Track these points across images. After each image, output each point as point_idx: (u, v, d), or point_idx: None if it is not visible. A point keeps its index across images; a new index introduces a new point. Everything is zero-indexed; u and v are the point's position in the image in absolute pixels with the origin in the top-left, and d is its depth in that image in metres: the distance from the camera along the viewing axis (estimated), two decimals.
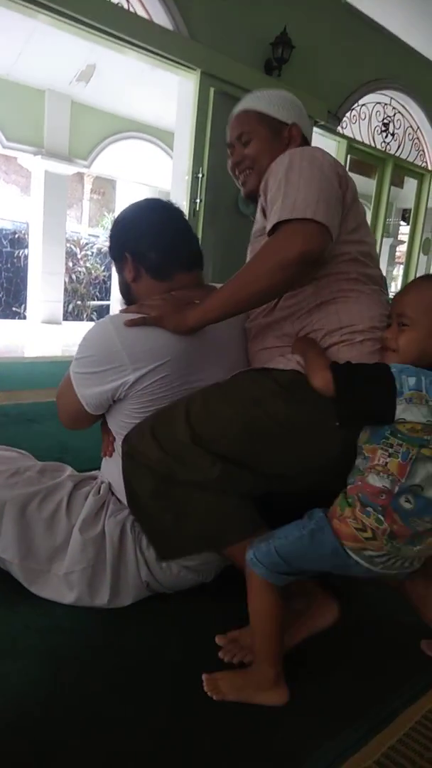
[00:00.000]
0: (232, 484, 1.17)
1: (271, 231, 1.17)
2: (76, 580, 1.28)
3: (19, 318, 8.73)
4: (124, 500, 1.29)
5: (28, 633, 1.22)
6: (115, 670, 1.13)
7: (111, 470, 1.38)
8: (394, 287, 10.36)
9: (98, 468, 1.49)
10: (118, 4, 4.34)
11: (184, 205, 4.75)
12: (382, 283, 1.31)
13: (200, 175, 4.74)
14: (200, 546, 1.22)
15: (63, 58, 5.92)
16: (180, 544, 1.21)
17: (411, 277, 8.01)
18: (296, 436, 1.14)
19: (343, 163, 6.49)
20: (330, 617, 1.16)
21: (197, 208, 4.78)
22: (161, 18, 4.51)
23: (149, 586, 1.32)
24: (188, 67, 4.58)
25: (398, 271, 11.44)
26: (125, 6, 4.42)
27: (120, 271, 1.41)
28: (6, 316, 8.97)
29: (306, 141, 1.44)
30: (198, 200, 4.78)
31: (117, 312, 1.31)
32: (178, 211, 1.41)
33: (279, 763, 0.95)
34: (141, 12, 4.50)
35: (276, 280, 1.13)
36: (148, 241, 1.34)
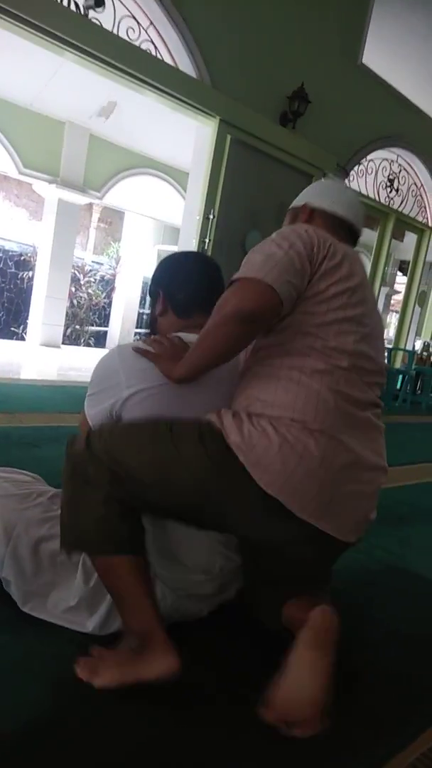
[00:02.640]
0: (122, 504, 1.19)
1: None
2: (76, 607, 1.33)
3: (17, 339, 8.79)
4: None
5: (31, 659, 1.25)
6: (117, 698, 1.16)
7: None
8: (387, 334, 10.58)
9: None
10: (147, 50, 4.53)
11: (194, 243, 4.88)
12: (358, 352, 1.25)
13: (211, 217, 4.89)
14: (78, 544, 1.22)
15: (86, 93, 6.11)
16: (66, 537, 1.23)
17: (406, 326, 8.19)
18: (192, 479, 1.18)
19: None
20: (160, 670, 1.12)
21: (206, 247, 4.91)
22: (186, 65, 4.70)
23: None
24: (208, 114, 4.76)
25: (392, 319, 11.70)
26: (152, 50, 4.61)
27: (152, 305, 1.55)
28: (4, 336, 9.02)
29: (328, 216, 1.45)
30: (207, 239, 4.92)
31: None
32: (215, 267, 1.55)
33: None
34: (167, 58, 4.70)
35: (218, 337, 1.18)
36: (179, 283, 1.49)
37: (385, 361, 1.42)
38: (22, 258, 9.43)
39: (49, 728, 1.07)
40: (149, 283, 1.59)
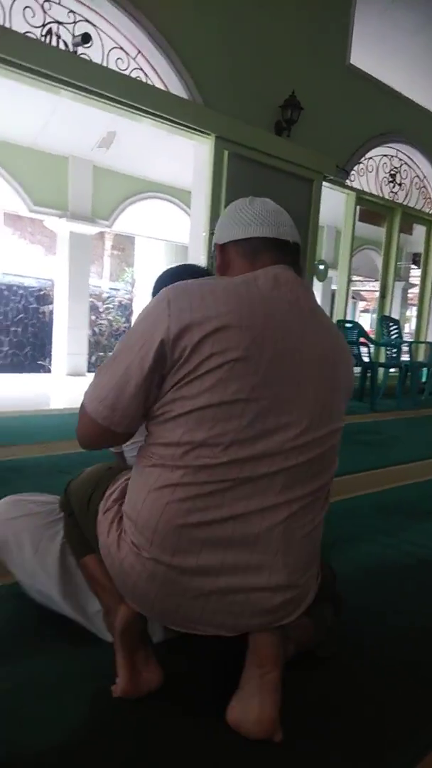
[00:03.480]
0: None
1: None
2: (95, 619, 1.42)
3: (44, 371, 8.99)
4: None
5: (69, 676, 1.31)
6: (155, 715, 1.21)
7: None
8: (408, 328, 10.51)
9: None
10: (137, 77, 4.68)
11: (202, 260, 4.97)
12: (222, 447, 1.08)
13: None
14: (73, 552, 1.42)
15: (85, 127, 6.30)
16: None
17: (425, 318, 8.14)
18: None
19: (351, 215, 6.69)
20: (116, 622, 1.23)
21: (213, 263, 4.99)
22: (177, 88, 4.83)
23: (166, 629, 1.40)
24: (203, 133, 4.87)
25: (411, 312, 11.62)
26: (143, 77, 4.75)
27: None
28: (32, 370, 9.23)
29: (233, 246, 1.27)
30: (206, 267, 4.99)
31: None
32: (207, 272, 1.61)
33: None
34: (158, 83, 4.83)
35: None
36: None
37: (322, 421, 1.17)
38: (42, 293, 9.68)
39: (85, 743, 1.13)
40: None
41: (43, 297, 9.61)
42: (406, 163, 7.32)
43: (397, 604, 1.73)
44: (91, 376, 6.64)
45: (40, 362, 9.44)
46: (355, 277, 13.92)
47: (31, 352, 9.66)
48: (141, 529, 1.13)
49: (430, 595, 1.83)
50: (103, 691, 1.24)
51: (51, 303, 9.01)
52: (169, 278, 1.59)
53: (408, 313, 11.83)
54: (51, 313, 8.83)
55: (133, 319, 10.82)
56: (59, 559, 1.46)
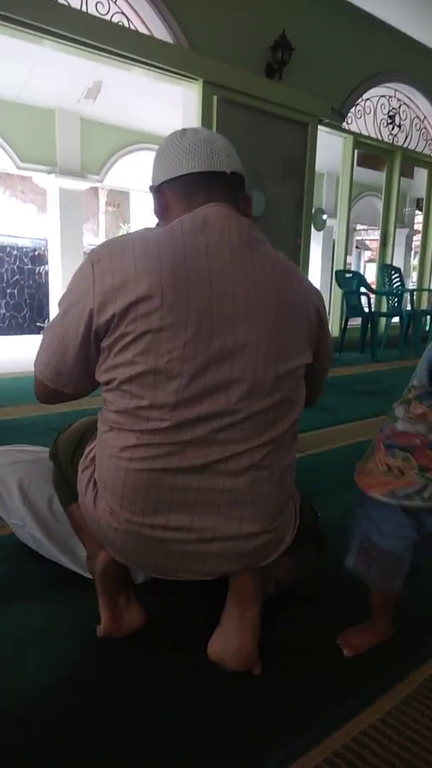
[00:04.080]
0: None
1: None
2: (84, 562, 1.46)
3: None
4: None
5: (57, 620, 1.34)
6: (139, 652, 1.23)
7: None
8: (414, 277, 10.34)
9: None
10: (119, 22, 4.47)
11: None
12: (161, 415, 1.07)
13: None
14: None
15: (70, 77, 6.07)
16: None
17: (428, 266, 8.00)
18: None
19: (350, 160, 6.50)
20: (98, 562, 1.25)
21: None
22: (160, 31, 4.62)
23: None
24: (190, 78, 4.69)
25: (416, 261, 11.42)
26: (125, 23, 4.55)
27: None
28: (31, 332, 9.19)
29: (169, 186, 1.20)
30: None
31: None
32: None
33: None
34: (141, 27, 4.62)
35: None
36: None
37: (291, 349, 1.14)
38: (36, 253, 9.54)
39: (73, 683, 1.15)
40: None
41: (38, 257, 9.48)
42: (405, 104, 7.05)
43: None
44: None
45: (38, 324, 9.38)
46: (358, 226, 13.64)
47: (28, 313, 9.59)
48: (110, 493, 1.13)
49: None
50: (93, 633, 1.27)
51: (46, 263, 8.89)
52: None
53: (414, 262, 11.62)
54: (47, 273, 8.71)
55: None
56: (47, 505, 1.52)
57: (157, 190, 1.22)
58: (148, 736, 1.02)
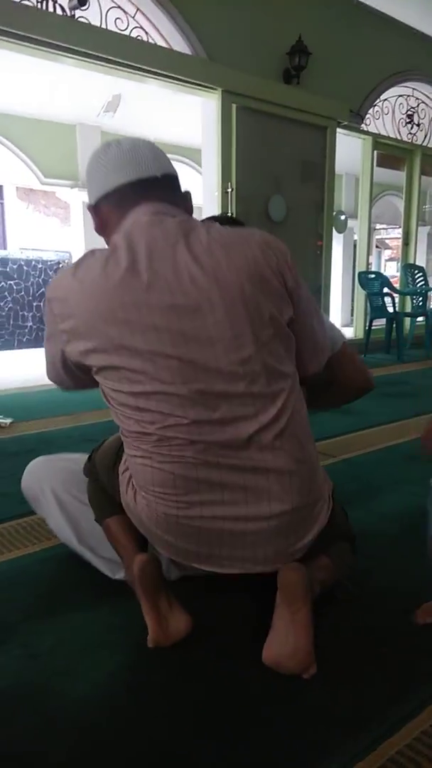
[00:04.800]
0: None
1: None
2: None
3: None
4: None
5: (109, 631, 1.37)
6: (193, 660, 1.26)
7: None
8: None
9: None
10: (137, 36, 4.54)
11: None
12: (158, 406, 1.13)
13: (229, 190, 4.88)
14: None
15: (90, 92, 6.18)
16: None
17: None
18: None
19: (369, 161, 6.46)
20: (131, 572, 1.31)
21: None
22: (179, 43, 4.68)
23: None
24: (209, 88, 4.73)
25: None
26: (144, 37, 4.61)
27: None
28: None
29: (103, 202, 1.22)
30: (230, 214, 4.91)
31: None
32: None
33: None
34: (159, 40, 4.69)
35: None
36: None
37: (241, 342, 1.11)
38: (60, 265, 9.63)
39: (131, 688, 1.18)
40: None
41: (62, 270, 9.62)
42: (423, 102, 7.02)
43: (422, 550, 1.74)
44: None
45: None
46: (378, 225, 13.56)
47: None
48: (144, 489, 1.22)
49: None
50: (136, 643, 1.30)
51: None
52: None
53: None
54: None
55: None
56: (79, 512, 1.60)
57: (94, 208, 1.25)
58: (204, 744, 1.04)
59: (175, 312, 1.09)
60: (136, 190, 1.18)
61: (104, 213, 1.22)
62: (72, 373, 1.28)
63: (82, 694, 1.16)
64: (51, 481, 1.64)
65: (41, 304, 9.65)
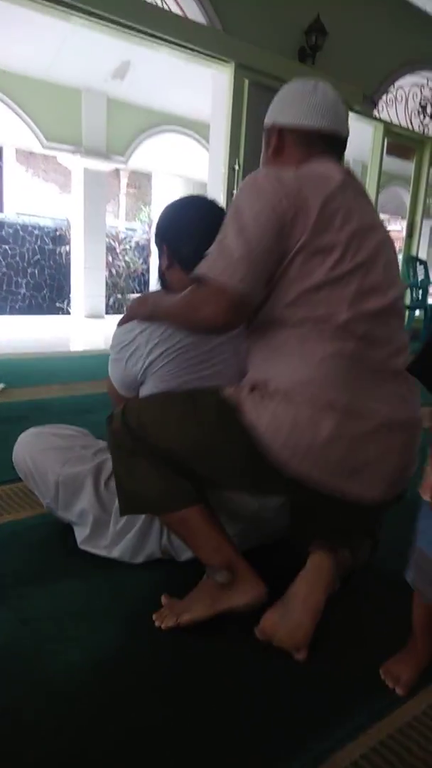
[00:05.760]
0: (166, 463, 1.25)
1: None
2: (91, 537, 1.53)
3: (63, 313, 8.96)
4: None
5: (101, 598, 1.36)
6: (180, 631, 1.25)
7: None
8: None
9: None
10: (152, 2, 4.42)
11: (222, 197, 4.83)
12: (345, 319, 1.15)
13: (236, 167, 4.81)
14: (142, 508, 1.34)
15: (98, 57, 6.02)
16: (130, 504, 1.32)
17: None
18: (217, 452, 1.23)
19: (379, 148, 6.37)
20: (250, 596, 1.21)
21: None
22: (194, 12, 4.57)
23: (164, 552, 1.50)
24: (222, 60, 4.63)
25: None
26: (158, 2, 4.49)
27: (159, 257, 1.51)
28: (51, 312, 9.21)
29: (301, 132, 1.27)
30: (235, 191, 4.85)
31: None
32: (219, 212, 1.44)
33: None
34: (174, 8, 4.57)
35: (195, 332, 1.31)
36: (184, 238, 1.42)
37: (398, 278, 1.26)
38: (58, 233, 9.53)
39: (120, 655, 1.17)
40: (155, 233, 1.51)
41: (59, 237, 9.47)
42: None
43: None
44: (109, 319, 6.60)
45: (58, 304, 9.40)
46: (381, 215, 13.49)
47: (48, 293, 9.60)
48: (301, 390, 1.14)
49: None
50: (136, 610, 1.30)
51: (67, 243, 8.87)
52: (164, 211, 1.50)
53: None
54: (68, 253, 8.71)
55: (152, 260, 10.67)
56: (92, 494, 1.51)
57: (278, 131, 1.29)
58: (190, 717, 1.04)
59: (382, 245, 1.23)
60: (326, 140, 1.27)
61: (287, 141, 1.28)
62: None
63: (73, 659, 1.16)
64: (44, 462, 1.57)
65: (35, 270, 9.53)
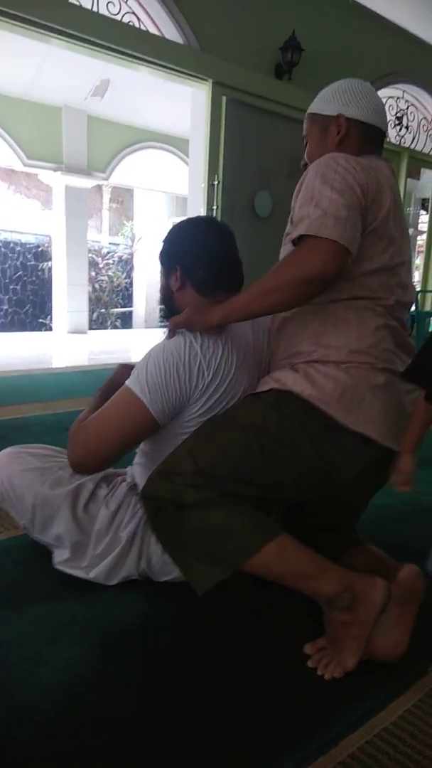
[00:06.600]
0: (241, 500, 1.22)
1: (297, 240, 1.22)
2: (72, 559, 1.51)
3: (46, 329, 8.95)
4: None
5: (75, 620, 1.35)
6: (156, 652, 1.25)
7: (136, 470, 1.53)
8: (417, 276, 10.34)
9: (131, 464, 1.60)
10: (129, 22, 4.47)
11: (202, 211, 4.87)
12: (394, 297, 1.31)
13: (216, 183, 4.85)
14: (225, 567, 1.20)
15: (78, 75, 6.08)
16: (207, 573, 1.21)
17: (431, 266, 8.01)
18: (287, 445, 1.24)
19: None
20: (379, 599, 1.16)
21: (214, 215, 4.88)
22: (171, 32, 4.63)
23: (141, 575, 1.49)
24: (200, 78, 4.69)
25: (419, 260, 11.39)
26: (136, 23, 4.55)
27: (166, 277, 1.49)
28: (33, 328, 9.20)
29: (364, 127, 1.39)
30: (215, 206, 4.89)
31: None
32: (230, 235, 1.48)
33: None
34: (151, 27, 4.62)
35: (291, 295, 1.20)
36: (200, 260, 1.42)
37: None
38: (40, 249, 9.54)
39: (96, 680, 1.17)
40: (161, 252, 1.50)
41: (42, 253, 9.48)
42: (413, 105, 7.06)
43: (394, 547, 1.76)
44: (92, 334, 6.59)
45: (41, 320, 9.38)
46: None
47: (31, 310, 9.60)
48: (357, 357, 1.27)
49: (424, 536, 1.85)
50: (112, 631, 1.29)
51: (50, 259, 8.88)
52: (177, 231, 1.49)
53: (418, 261, 11.60)
54: (50, 270, 8.72)
55: (135, 274, 10.71)
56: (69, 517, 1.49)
57: (344, 120, 1.38)
58: (167, 734, 1.03)
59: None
60: (378, 140, 1.42)
61: (349, 131, 1.39)
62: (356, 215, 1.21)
63: (47, 682, 1.15)
64: (21, 484, 1.55)
65: (18, 287, 9.52)
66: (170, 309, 1.50)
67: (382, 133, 1.42)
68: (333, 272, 1.17)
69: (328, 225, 1.15)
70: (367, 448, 1.25)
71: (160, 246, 1.52)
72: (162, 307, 1.57)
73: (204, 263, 1.42)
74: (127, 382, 1.35)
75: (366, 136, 1.39)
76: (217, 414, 1.37)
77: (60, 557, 1.52)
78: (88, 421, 1.40)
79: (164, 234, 1.53)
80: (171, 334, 1.35)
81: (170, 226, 1.54)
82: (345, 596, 1.16)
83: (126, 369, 1.51)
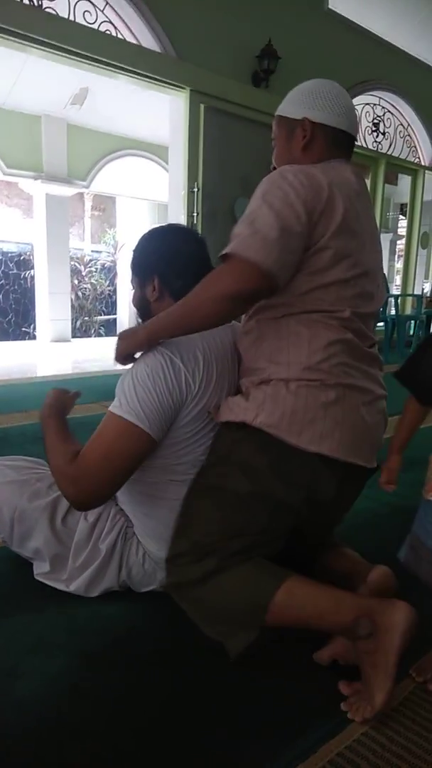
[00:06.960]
0: (245, 554, 1.22)
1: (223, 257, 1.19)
2: (52, 571, 1.51)
3: (29, 338, 8.90)
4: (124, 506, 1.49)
5: (55, 632, 1.35)
6: (137, 663, 1.25)
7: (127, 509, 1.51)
8: (398, 280, 10.44)
9: None
10: (106, 31, 4.49)
11: (182, 218, 4.88)
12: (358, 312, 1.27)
13: (195, 190, 4.87)
14: (249, 626, 1.17)
15: (56, 84, 6.07)
16: (236, 637, 1.18)
17: (412, 271, 8.09)
18: (259, 493, 1.23)
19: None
20: (403, 624, 1.10)
21: (195, 221, 4.90)
22: (148, 40, 4.65)
23: (121, 586, 1.49)
24: (177, 86, 4.71)
25: (400, 264, 11.52)
26: (113, 32, 4.56)
27: (141, 287, 1.47)
28: (16, 337, 9.14)
29: (331, 131, 1.34)
30: (195, 213, 4.91)
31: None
32: (203, 242, 1.49)
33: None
34: (128, 36, 4.64)
35: (212, 312, 1.19)
36: (177, 270, 1.42)
37: (384, 290, 1.40)
38: (22, 257, 9.49)
39: (72, 693, 1.16)
40: (134, 263, 1.48)
41: (24, 262, 9.43)
42: (389, 111, 7.15)
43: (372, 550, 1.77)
44: (76, 342, 6.54)
45: (24, 329, 9.33)
46: None
47: (14, 318, 9.53)
48: (313, 371, 1.23)
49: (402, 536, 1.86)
50: (92, 644, 1.29)
51: (32, 268, 8.85)
52: (150, 240, 1.48)
53: (398, 266, 11.72)
54: (32, 278, 8.68)
55: (118, 281, 10.68)
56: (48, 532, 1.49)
57: (309, 124, 1.34)
58: (148, 745, 1.03)
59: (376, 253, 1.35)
60: (345, 144, 1.37)
61: (315, 135, 1.35)
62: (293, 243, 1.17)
63: (26, 694, 1.15)
64: (4, 495, 1.55)
65: (0, 296, 9.45)
66: (148, 319, 1.47)
67: (351, 137, 1.37)
68: (248, 293, 1.17)
69: (253, 246, 1.13)
70: (329, 465, 1.22)
71: (130, 256, 1.51)
72: (139, 318, 1.55)
73: (182, 271, 1.41)
74: (119, 411, 1.29)
75: (333, 140, 1.35)
76: (199, 425, 1.36)
77: (40, 569, 1.52)
78: (84, 456, 1.31)
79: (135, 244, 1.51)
80: (124, 364, 1.35)
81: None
82: (364, 622, 1.11)
83: (59, 393, 1.52)
